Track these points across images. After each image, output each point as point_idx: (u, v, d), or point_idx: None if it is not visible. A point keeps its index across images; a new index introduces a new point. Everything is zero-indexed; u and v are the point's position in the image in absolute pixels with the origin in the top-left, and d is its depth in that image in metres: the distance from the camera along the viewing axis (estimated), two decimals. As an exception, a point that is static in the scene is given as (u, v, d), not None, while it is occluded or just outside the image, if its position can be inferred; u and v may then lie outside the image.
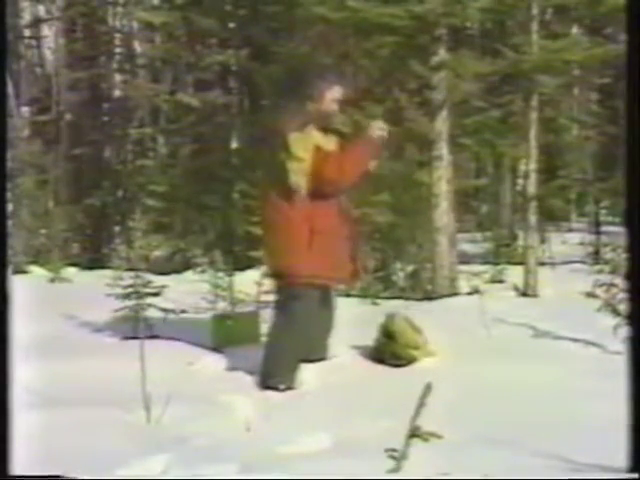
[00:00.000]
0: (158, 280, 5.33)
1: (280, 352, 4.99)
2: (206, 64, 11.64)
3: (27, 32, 15.60)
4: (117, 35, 15.87)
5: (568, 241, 12.55)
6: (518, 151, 9.34)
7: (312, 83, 5.01)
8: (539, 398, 4.53)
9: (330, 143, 4.99)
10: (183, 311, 6.59)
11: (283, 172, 4.87)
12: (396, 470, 3.35)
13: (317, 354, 5.22)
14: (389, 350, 5.29)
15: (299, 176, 4.87)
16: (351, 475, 3.42)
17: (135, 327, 4.91)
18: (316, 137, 4.93)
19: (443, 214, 8.27)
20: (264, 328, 5.48)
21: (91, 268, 11.31)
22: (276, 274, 5.14)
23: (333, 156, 4.91)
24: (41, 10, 15.63)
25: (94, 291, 6.19)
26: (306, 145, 4.87)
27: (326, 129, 5.01)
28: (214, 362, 5.34)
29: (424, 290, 8.40)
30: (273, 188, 5.00)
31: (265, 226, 5.25)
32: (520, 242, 10.14)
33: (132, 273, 4.87)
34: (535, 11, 8.58)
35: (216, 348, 5.60)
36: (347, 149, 4.99)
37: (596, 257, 10.66)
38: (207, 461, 3.60)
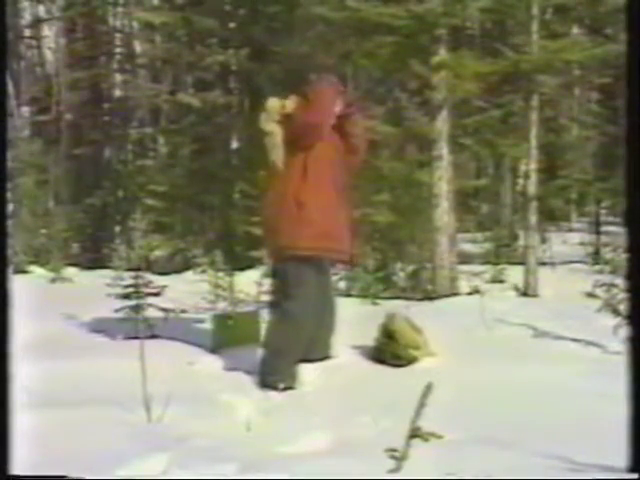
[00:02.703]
0: (158, 280, 5.33)
1: (278, 351, 4.99)
2: (206, 64, 11.65)
3: (27, 32, 15.62)
4: (117, 35, 15.90)
5: (568, 241, 12.57)
6: (518, 151, 9.35)
7: (308, 81, 5.09)
8: (539, 398, 4.53)
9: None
10: (183, 311, 6.59)
11: (265, 152, 5.02)
12: (396, 470, 3.35)
13: (320, 353, 5.23)
14: (389, 350, 5.29)
15: (274, 150, 4.97)
16: (351, 475, 3.42)
17: (135, 327, 4.91)
18: (276, 106, 4.99)
19: (443, 214, 8.28)
20: (264, 328, 5.47)
21: (91, 268, 11.32)
22: (271, 253, 5.24)
23: (300, 106, 4.97)
24: (41, 10, 15.66)
25: (94, 291, 6.20)
26: (271, 117, 4.99)
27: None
28: (214, 362, 5.34)
29: (424, 290, 8.40)
30: (265, 171, 5.13)
31: (262, 210, 5.37)
32: (520, 242, 10.15)
33: (132, 273, 4.87)
34: (535, 11, 8.59)
35: (216, 348, 5.60)
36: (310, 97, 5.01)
37: (596, 257, 10.67)
38: (207, 461, 3.60)
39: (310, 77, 5.13)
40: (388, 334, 5.33)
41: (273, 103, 5.05)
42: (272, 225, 5.06)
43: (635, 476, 3.06)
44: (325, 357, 5.25)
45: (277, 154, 4.98)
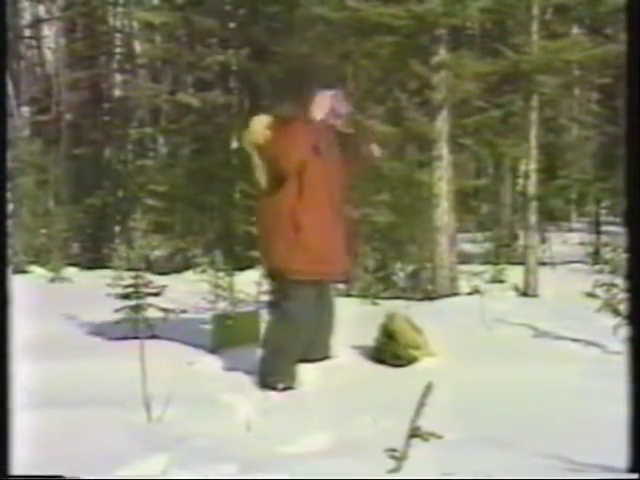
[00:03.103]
0: (158, 280, 5.33)
1: (277, 352, 4.99)
2: (206, 64, 11.65)
3: (27, 32, 15.61)
4: (117, 35, 15.89)
5: (568, 241, 12.58)
6: (518, 151, 9.35)
7: (308, 86, 5.08)
8: (539, 398, 4.53)
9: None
10: (183, 311, 6.58)
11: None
12: (396, 470, 3.35)
13: (319, 354, 5.22)
14: (389, 350, 5.29)
15: (257, 170, 5.04)
16: (351, 475, 3.42)
17: (135, 327, 4.91)
18: (258, 130, 5.01)
19: (443, 214, 8.28)
20: (264, 328, 5.47)
21: (91, 268, 11.33)
22: (268, 272, 5.19)
23: (275, 137, 4.98)
24: (41, 10, 15.65)
25: (94, 291, 6.19)
26: (250, 139, 5.07)
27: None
28: (214, 362, 5.34)
29: (424, 290, 8.40)
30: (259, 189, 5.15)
31: (257, 227, 5.39)
32: (520, 242, 10.15)
33: (132, 273, 4.87)
34: (535, 11, 8.59)
35: (216, 348, 5.60)
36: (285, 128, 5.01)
37: (596, 257, 10.68)
38: (207, 461, 3.60)
39: (307, 85, 5.13)
40: (388, 334, 5.33)
41: (256, 125, 5.04)
42: (268, 245, 5.02)
43: (635, 476, 3.06)
44: (324, 357, 5.25)
45: (259, 174, 5.02)
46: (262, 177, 5.01)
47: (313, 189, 4.92)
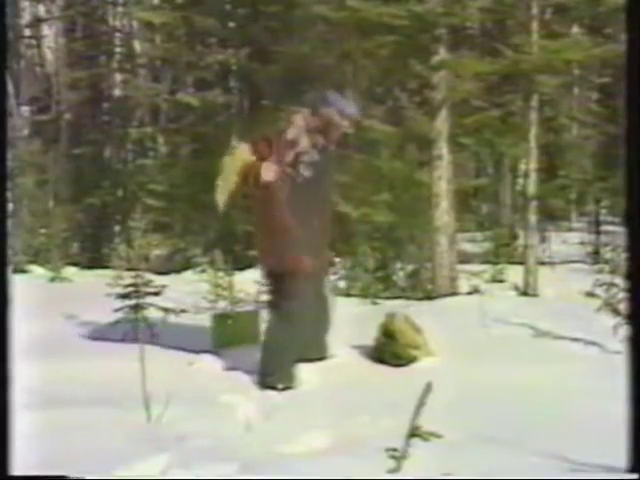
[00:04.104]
0: (158, 280, 5.32)
1: (277, 352, 5.00)
2: (206, 64, 11.65)
3: (27, 32, 15.62)
4: (117, 35, 15.88)
5: (568, 241, 12.56)
6: (518, 151, 9.34)
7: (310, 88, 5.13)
8: (539, 398, 4.53)
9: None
10: (183, 311, 6.58)
11: None
12: (396, 470, 3.35)
13: (316, 353, 5.23)
14: (389, 350, 5.30)
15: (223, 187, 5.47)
16: (351, 475, 3.41)
17: (135, 327, 4.91)
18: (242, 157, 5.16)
19: (443, 213, 8.27)
20: (264, 328, 5.47)
21: (91, 268, 11.32)
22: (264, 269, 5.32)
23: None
24: (41, 10, 15.65)
25: (94, 291, 6.19)
26: (235, 165, 5.32)
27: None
28: (214, 362, 5.35)
29: (424, 290, 8.40)
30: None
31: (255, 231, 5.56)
32: (520, 242, 10.15)
33: (132, 273, 4.87)
34: (535, 11, 8.58)
35: (216, 348, 5.60)
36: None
37: (596, 257, 10.67)
38: (207, 461, 3.60)
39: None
40: (388, 334, 5.33)
41: (239, 153, 5.23)
42: (264, 248, 5.20)
43: (635, 476, 3.06)
44: (322, 357, 5.26)
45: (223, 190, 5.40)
46: (223, 195, 5.23)
47: (294, 193, 5.02)
